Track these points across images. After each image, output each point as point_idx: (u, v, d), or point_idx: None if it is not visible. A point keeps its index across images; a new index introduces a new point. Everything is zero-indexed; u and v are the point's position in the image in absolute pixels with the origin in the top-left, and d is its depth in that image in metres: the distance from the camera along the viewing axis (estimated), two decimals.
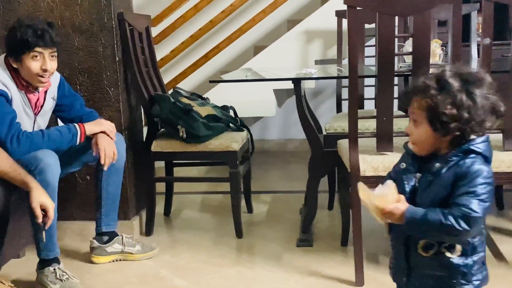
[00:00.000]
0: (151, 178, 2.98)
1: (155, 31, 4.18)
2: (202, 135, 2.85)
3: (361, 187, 1.44)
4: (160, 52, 4.49)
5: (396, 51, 2.29)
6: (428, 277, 1.46)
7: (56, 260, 2.38)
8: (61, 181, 2.37)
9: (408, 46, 2.90)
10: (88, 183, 2.89)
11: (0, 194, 2.13)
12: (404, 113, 2.20)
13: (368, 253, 2.52)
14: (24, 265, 2.61)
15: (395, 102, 2.30)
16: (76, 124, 2.45)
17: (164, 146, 2.92)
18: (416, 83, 1.46)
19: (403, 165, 1.51)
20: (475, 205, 1.34)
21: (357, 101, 2.27)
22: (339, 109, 3.72)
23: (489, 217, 2.77)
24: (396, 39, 2.68)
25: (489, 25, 2.15)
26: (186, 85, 4.48)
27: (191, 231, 3.06)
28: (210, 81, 3.00)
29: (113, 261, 2.65)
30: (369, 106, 3.65)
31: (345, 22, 2.30)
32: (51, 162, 2.26)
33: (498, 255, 2.55)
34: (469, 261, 1.42)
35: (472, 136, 1.41)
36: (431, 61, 2.30)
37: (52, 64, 2.35)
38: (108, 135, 2.50)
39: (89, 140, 2.49)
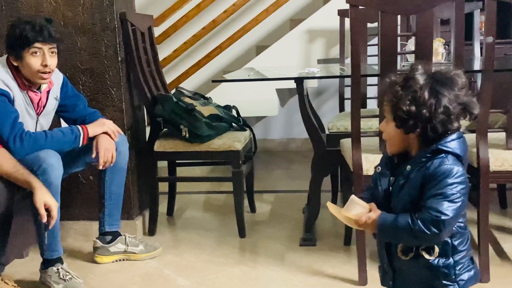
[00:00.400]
0: (154, 178, 2.98)
1: (157, 31, 4.19)
2: (204, 135, 2.85)
3: (330, 206, 1.49)
4: (163, 52, 4.50)
5: (398, 50, 2.28)
6: (412, 279, 1.46)
7: (59, 260, 2.39)
8: (64, 181, 2.37)
9: (411, 45, 2.90)
10: (91, 183, 2.90)
11: (4, 195, 2.14)
12: None
13: (371, 252, 2.51)
14: (28, 265, 2.62)
15: None
16: (79, 126, 2.46)
17: (167, 146, 2.92)
18: (388, 78, 1.44)
19: (379, 168, 1.50)
20: (444, 207, 1.31)
21: (359, 100, 2.27)
22: (341, 108, 3.72)
23: (492, 215, 2.76)
24: (399, 38, 2.68)
25: (492, 23, 2.14)
26: (188, 84, 4.49)
27: (194, 230, 3.06)
28: (213, 81, 3.01)
29: (116, 261, 2.65)
30: (372, 105, 3.65)
31: (347, 21, 2.30)
32: (53, 162, 2.26)
33: (501, 254, 2.54)
34: (450, 261, 1.40)
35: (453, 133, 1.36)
36: (433, 60, 2.30)
37: (52, 60, 2.34)
38: (109, 136, 2.51)
39: (92, 140, 2.49)
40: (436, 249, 1.40)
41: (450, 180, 1.32)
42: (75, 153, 2.53)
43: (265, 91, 4.26)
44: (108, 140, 2.49)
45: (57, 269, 2.36)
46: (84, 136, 2.43)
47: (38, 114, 2.45)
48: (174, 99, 2.92)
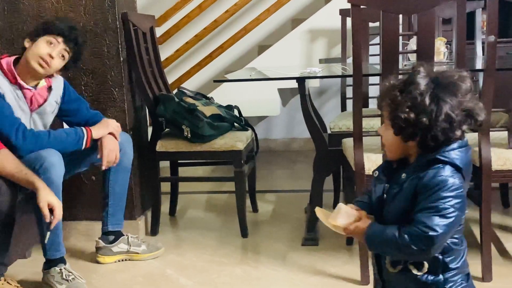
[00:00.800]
0: (156, 178, 2.98)
1: (159, 31, 4.19)
2: (206, 135, 2.85)
3: (318, 212, 1.45)
4: (165, 52, 4.51)
5: (400, 49, 2.28)
6: None
7: (62, 260, 2.39)
8: (66, 182, 2.38)
9: (413, 44, 2.90)
10: (93, 184, 2.90)
11: (6, 195, 2.14)
12: None
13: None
14: (30, 265, 2.62)
15: None
16: (83, 128, 2.46)
17: (169, 146, 2.92)
18: (388, 81, 1.35)
19: (376, 172, 1.41)
20: (434, 223, 1.21)
21: (361, 99, 2.28)
22: (343, 108, 3.71)
23: (494, 215, 2.76)
24: (401, 38, 2.68)
25: (493, 22, 2.14)
26: (190, 85, 4.50)
27: (196, 230, 3.06)
28: (215, 81, 3.01)
29: (118, 261, 2.66)
30: (374, 104, 3.62)
31: (349, 20, 2.30)
32: (55, 160, 2.26)
33: (504, 253, 2.54)
34: (440, 278, 1.31)
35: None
36: (435, 59, 2.30)
37: (58, 60, 2.37)
38: (114, 136, 2.51)
39: (96, 141, 2.49)
40: (426, 265, 1.31)
41: (443, 194, 1.23)
42: (80, 153, 2.52)
43: (267, 91, 4.26)
44: (113, 140, 2.50)
45: (60, 269, 2.36)
46: (88, 138, 2.43)
47: (32, 110, 2.43)
48: (176, 99, 2.92)
